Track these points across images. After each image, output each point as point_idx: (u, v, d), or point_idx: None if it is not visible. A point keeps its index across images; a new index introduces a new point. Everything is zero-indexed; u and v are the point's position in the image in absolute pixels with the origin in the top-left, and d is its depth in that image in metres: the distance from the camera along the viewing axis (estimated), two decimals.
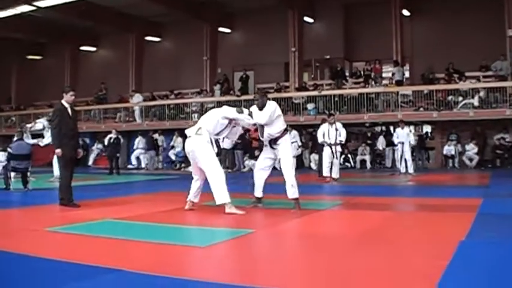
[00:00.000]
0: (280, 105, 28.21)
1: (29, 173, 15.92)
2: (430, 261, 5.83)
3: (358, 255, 6.32)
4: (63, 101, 11.88)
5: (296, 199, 10.05)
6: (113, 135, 24.98)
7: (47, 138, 18.87)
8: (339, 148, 18.79)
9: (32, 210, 11.08)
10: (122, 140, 26.13)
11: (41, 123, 21.01)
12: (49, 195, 14.89)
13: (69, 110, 11.80)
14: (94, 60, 41.96)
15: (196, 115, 31.82)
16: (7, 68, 43.81)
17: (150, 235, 7.67)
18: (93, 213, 10.19)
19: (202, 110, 31.79)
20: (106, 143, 26.09)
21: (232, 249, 6.77)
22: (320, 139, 18.88)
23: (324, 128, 18.90)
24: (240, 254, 6.48)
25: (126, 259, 6.06)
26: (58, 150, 11.29)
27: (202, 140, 10.15)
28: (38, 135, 20.73)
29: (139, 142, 30.78)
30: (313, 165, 26.39)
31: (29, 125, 21.78)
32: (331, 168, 18.28)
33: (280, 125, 10.63)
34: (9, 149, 16.23)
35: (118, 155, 25.45)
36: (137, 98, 34.70)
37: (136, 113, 34.31)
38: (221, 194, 9.77)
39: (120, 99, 37.10)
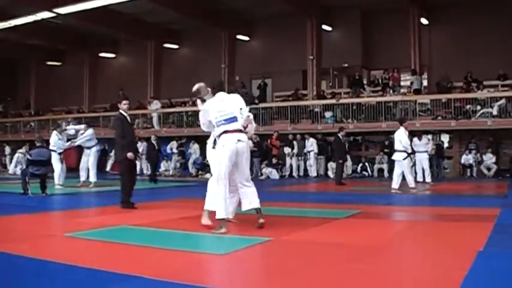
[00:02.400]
0: (298, 113, 28.39)
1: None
2: (448, 271, 5.82)
3: (377, 265, 6.32)
4: (121, 110, 12.53)
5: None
6: (153, 141, 24.50)
7: (79, 140, 20.29)
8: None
9: (51, 216, 11.17)
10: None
11: (72, 129, 21.39)
12: (67, 201, 15.01)
13: (128, 118, 12.57)
14: (113, 66, 42.18)
15: None
16: (26, 73, 44.20)
17: (167, 242, 7.70)
18: (111, 219, 10.25)
19: None
20: (146, 149, 26.14)
21: (251, 257, 6.79)
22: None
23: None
24: (259, 262, 6.50)
25: (145, 266, 6.08)
26: (130, 154, 12.17)
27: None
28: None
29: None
30: (331, 174, 26.36)
31: (65, 127, 22.09)
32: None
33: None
34: (28, 156, 16.38)
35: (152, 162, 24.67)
36: (155, 105, 34.83)
37: (154, 120, 34.41)
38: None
39: (139, 105, 37.19)
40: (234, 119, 9.11)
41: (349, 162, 26.55)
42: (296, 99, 31.85)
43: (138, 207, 12.12)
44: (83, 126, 21.97)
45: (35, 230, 9.10)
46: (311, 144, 27.58)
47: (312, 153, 27.51)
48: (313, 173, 27.84)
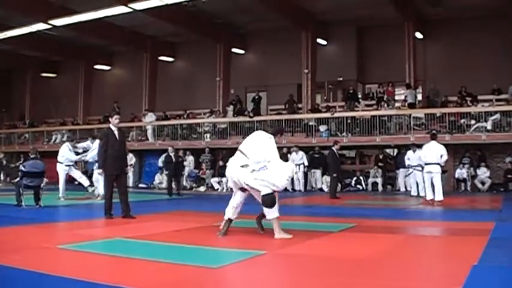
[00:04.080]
0: (292, 126, 28.38)
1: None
2: (442, 285, 5.82)
3: (371, 279, 6.31)
4: (110, 125, 13.07)
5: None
6: (170, 153, 23.88)
7: (90, 154, 20.64)
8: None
9: (44, 228, 11.12)
10: (182, 158, 25.70)
11: (81, 148, 21.58)
12: (61, 213, 14.98)
13: (116, 133, 13.05)
14: (108, 78, 42.18)
15: (208, 135, 31.88)
16: (21, 85, 44.09)
17: (161, 255, 7.68)
18: (105, 231, 10.25)
19: (215, 131, 31.88)
20: (163, 161, 25.97)
21: (245, 270, 6.76)
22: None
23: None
24: (252, 275, 6.47)
25: (139, 278, 6.07)
26: (100, 171, 13.16)
27: None
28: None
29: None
30: (325, 188, 26.34)
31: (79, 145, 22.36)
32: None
33: None
34: (22, 167, 16.35)
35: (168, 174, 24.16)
36: (150, 117, 34.80)
37: (149, 132, 34.37)
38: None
39: (133, 118, 37.17)
40: None
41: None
42: (291, 106, 31.96)
43: (132, 220, 12.14)
44: (88, 141, 22.23)
45: (28, 241, 9.07)
46: (300, 157, 27.49)
47: (301, 167, 27.40)
48: (300, 187, 27.62)
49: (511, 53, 28.18)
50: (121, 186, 13.25)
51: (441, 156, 17.81)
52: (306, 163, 27.47)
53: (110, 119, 13.24)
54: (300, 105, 32.81)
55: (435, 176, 17.78)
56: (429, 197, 17.92)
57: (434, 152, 17.94)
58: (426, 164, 18.53)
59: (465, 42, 30.25)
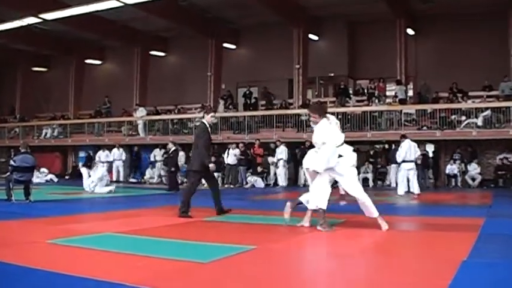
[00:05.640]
0: (283, 122, 28.42)
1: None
2: (431, 280, 5.83)
3: (360, 273, 6.32)
4: (204, 120, 12.79)
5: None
6: (171, 147, 23.90)
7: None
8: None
9: (34, 222, 11.07)
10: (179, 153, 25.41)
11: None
12: (52, 208, 14.93)
13: (209, 130, 12.83)
14: (99, 73, 42.10)
15: None
16: (12, 79, 43.92)
17: (151, 250, 7.66)
18: (95, 226, 10.22)
19: None
20: (157, 157, 25.89)
21: (235, 265, 6.75)
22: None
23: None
24: (242, 270, 6.47)
25: (129, 273, 6.05)
26: (212, 165, 12.68)
27: None
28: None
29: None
30: None
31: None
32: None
33: None
34: (12, 162, 16.31)
35: (173, 169, 23.65)
36: (141, 112, 34.75)
37: (140, 127, 34.33)
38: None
39: (124, 112, 37.11)
40: None
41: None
42: (268, 99, 32.26)
43: (122, 214, 12.12)
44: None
45: (17, 236, 9.05)
46: (281, 152, 27.45)
47: (281, 161, 27.36)
48: (282, 182, 27.61)
49: (502, 49, 28.25)
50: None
51: (416, 152, 18.40)
52: (285, 158, 27.37)
53: (205, 115, 12.96)
54: (291, 101, 32.82)
55: (413, 173, 18.88)
56: (402, 192, 18.48)
57: (413, 150, 18.42)
58: (405, 161, 18.92)
59: (456, 39, 30.30)
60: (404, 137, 20.35)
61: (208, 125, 12.73)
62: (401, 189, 19.25)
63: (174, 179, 23.58)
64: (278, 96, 33.68)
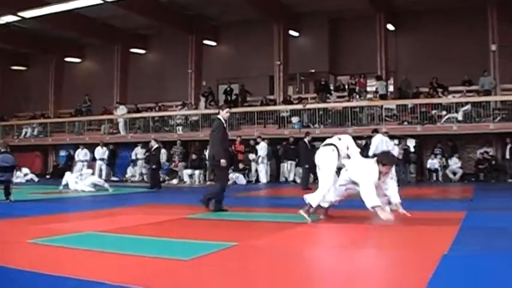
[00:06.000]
0: (264, 118, 28.39)
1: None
2: (412, 274, 5.86)
3: (341, 268, 6.34)
4: (219, 116, 12.88)
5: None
6: (153, 145, 23.71)
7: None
8: None
9: (14, 222, 11.01)
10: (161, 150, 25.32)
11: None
12: (32, 207, 14.85)
13: (225, 125, 13.00)
14: (79, 71, 41.85)
15: (180, 128, 31.80)
16: None
17: (133, 248, 7.63)
18: (77, 225, 10.18)
19: (187, 123, 31.81)
20: (139, 155, 25.76)
21: (216, 262, 6.74)
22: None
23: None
24: (224, 267, 6.45)
25: (111, 272, 6.02)
26: (223, 161, 12.49)
27: None
28: None
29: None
30: (298, 179, 26.36)
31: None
32: None
33: None
34: None
35: (154, 166, 23.56)
36: (121, 110, 34.61)
37: (121, 125, 34.20)
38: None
39: (104, 111, 36.97)
40: None
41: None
42: (243, 96, 32.61)
43: (104, 213, 12.06)
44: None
45: None
46: (261, 149, 27.47)
47: (260, 158, 27.38)
48: (263, 179, 27.60)
49: (481, 44, 28.38)
50: None
51: (388, 147, 18.40)
52: (263, 154, 27.37)
53: (220, 111, 13.10)
54: (272, 97, 32.85)
55: None
56: None
57: (385, 145, 18.39)
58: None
59: (436, 34, 30.45)
60: (376, 131, 20.43)
61: (224, 121, 12.87)
62: None
63: (156, 176, 23.54)
64: (258, 92, 33.65)
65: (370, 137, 27.38)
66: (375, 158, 9.67)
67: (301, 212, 10.18)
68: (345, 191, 10.10)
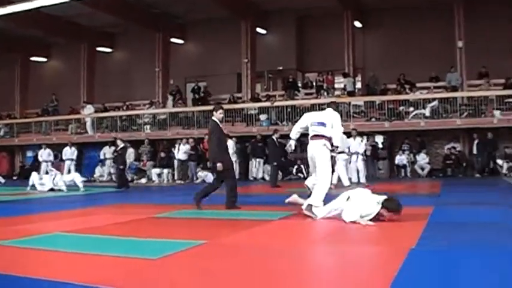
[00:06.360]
0: (232, 116, 28.40)
1: None
2: (380, 269, 5.89)
3: (309, 265, 6.34)
4: (214, 118, 12.98)
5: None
6: (119, 144, 23.40)
7: None
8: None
9: None
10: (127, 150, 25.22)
11: None
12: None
13: (221, 126, 13.11)
14: (45, 71, 41.51)
15: (148, 127, 31.68)
16: None
17: (101, 248, 7.58)
18: (45, 226, 10.07)
19: (155, 122, 31.70)
20: (107, 155, 25.62)
21: (184, 260, 6.72)
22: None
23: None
24: (192, 265, 6.43)
25: (78, 272, 5.97)
26: (219, 165, 12.42)
27: None
28: None
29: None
30: (267, 176, 26.37)
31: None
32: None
33: None
34: None
35: (121, 166, 23.53)
36: (88, 110, 34.39)
37: (88, 125, 33.99)
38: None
39: (71, 110, 36.70)
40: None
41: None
42: (198, 93, 32.91)
43: (72, 214, 11.97)
44: None
45: None
46: (228, 147, 27.33)
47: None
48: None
49: (448, 40, 28.66)
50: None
51: (347, 144, 18.77)
52: (231, 152, 27.28)
53: (214, 112, 13.15)
54: (240, 95, 32.85)
55: (344, 163, 19.70)
56: (347, 182, 18.87)
57: (344, 141, 18.66)
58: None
59: (403, 31, 30.73)
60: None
61: (218, 122, 12.99)
62: (345, 181, 19.34)
63: (123, 176, 23.43)
64: (226, 90, 33.59)
65: None
66: (382, 200, 9.57)
67: (306, 212, 10.28)
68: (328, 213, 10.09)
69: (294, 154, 30.04)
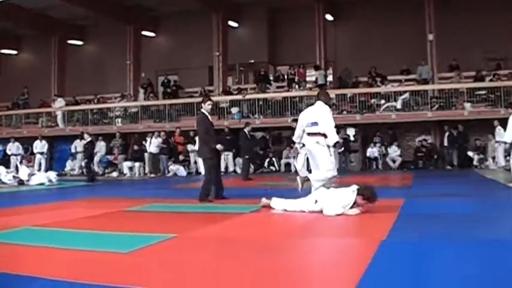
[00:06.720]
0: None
1: None
2: (350, 261, 5.91)
3: (280, 258, 6.33)
4: (202, 110, 13.05)
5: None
6: (86, 138, 23.46)
7: None
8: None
9: None
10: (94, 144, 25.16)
11: None
12: None
13: (209, 117, 13.16)
14: (15, 63, 41.05)
15: (119, 120, 31.53)
16: None
17: (71, 242, 7.52)
18: (14, 220, 9.97)
19: (126, 115, 31.55)
20: (78, 148, 25.51)
21: (155, 254, 6.70)
22: None
23: None
24: (162, 259, 6.40)
25: (48, 266, 5.93)
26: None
27: None
28: None
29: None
30: (238, 169, 26.36)
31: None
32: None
33: None
34: None
35: (86, 160, 23.76)
36: (59, 103, 34.14)
37: (59, 118, 33.73)
38: None
39: (42, 103, 36.40)
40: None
41: None
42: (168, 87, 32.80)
43: (42, 208, 11.87)
44: None
45: None
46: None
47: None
48: (201, 169, 27.21)
49: (419, 33, 28.76)
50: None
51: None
52: (196, 147, 27.15)
53: (203, 104, 13.20)
54: (211, 88, 32.78)
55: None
56: (305, 173, 19.18)
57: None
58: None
59: (375, 24, 30.84)
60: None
61: (207, 113, 13.05)
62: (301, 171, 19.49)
63: (88, 170, 23.38)
64: (198, 83, 33.47)
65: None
66: (356, 188, 9.62)
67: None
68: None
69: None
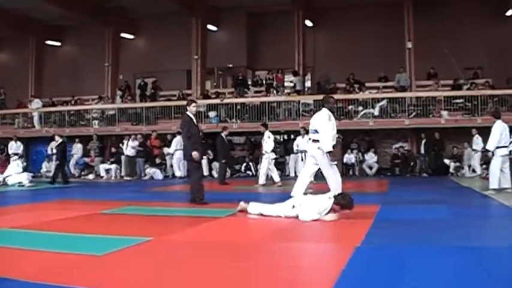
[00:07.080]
0: (181, 113, 28.23)
1: None
2: (325, 266, 5.92)
3: (254, 262, 6.35)
4: (188, 113, 13.36)
5: None
6: (58, 140, 23.39)
7: None
8: None
9: None
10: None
11: None
12: None
13: (194, 120, 13.33)
14: None
15: (96, 122, 31.38)
16: None
17: (46, 244, 7.50)
18: None
19: (103, 117, 31.42)
20: (54, 150, 25.33)
21: (130, 257, 6.68)
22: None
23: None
24: (137, 262, 6.40)
25: (22, 268, 5.91)
26: (195, 153, 12.70)
27: None
28: None
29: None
30: (215, 173, 26.30)
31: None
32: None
33: None
34: None
35: (57, 162, 23.72)
36: (36, 104, 33.89)
37: (35, 119, 33.49)
38: None
39: (19, 104, 36.14)
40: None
41: None
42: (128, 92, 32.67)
43: (17, 209, 11.80)
44: None
45: None
46: (176, 143, 27.08)
47: (177, 152, 26.91)
48: (177, 172, 27.12)
49: (398, 41, 28.89)
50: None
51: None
52: (171, 151, 26.96)
53: (188, 107, 13.39)
54: (189, 92, 32.71)
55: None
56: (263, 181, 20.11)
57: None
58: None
59: (354, 30, 31.01)
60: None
61: (191, 116, 13.23)
62: (262, 179, 19.80)
63: (57, 172, 23.27)
64: (176, 87, 33.39)
65: (287, 132, 27.77)
66: (333, 195, 9.73)
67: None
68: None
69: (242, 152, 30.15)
